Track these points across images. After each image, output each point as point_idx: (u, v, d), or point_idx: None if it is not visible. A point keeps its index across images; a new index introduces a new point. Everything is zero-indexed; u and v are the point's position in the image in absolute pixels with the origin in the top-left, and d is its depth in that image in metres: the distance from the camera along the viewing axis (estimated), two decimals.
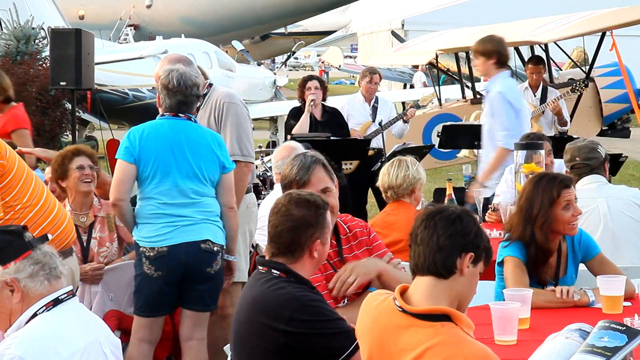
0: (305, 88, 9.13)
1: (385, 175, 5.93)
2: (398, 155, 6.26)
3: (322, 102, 9.19)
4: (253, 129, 8.15)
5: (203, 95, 5.79)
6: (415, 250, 3.00)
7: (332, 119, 9.17)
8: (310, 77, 9.48)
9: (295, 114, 9.20)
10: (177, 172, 5.22)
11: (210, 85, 5.90)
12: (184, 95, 5.27)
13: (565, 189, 4.53)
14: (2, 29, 16.03)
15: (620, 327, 3.18)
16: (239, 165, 5.72)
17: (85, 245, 5.54)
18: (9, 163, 4.72)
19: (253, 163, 5.86)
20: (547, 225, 4.49)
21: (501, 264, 4.57)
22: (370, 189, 9.79)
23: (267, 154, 10.40)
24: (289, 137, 9.16)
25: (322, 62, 49.06)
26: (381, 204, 9.67)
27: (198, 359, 5.40)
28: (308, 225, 3.64)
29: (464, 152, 11.58)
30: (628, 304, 4.28)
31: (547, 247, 4.52)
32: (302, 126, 8.95)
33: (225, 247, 5.37)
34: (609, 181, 5.91)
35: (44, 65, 14.07)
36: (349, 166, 9.50)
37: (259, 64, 31.89)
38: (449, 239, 2.95)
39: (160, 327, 5.39)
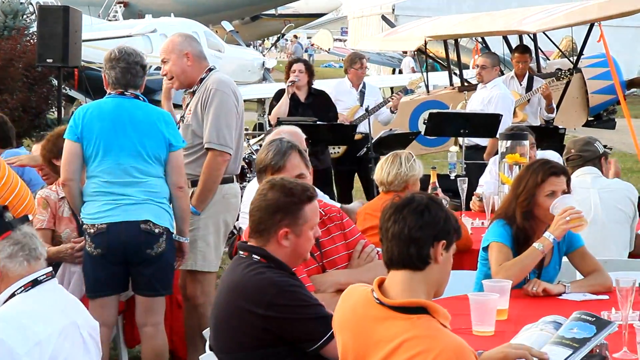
0: (291, 70, 9.12)
1: (379, 170, 5.89)
2: (393, 150, 6.15)
3: (309, 85, 9.16)
4: None
5: (200, 79, 5.71)
6: (388, 245, 3.01)
7: (317, 102, 9.13)
8: (297, 60, 9.50)
9: (279, 96, 9.13)
10: (119, 149, 5.17)
11: (210, 70, 5.76)
12: (127, 62, 5.24)
13: (553, 176, 4.53)
14: None
15: (590, 318, 3.21)
16: (213, 153, 5.59)
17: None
18: None
19: (229, 154, 5.66)
20: (528, 206, 4.52)
21: (486, 249, 4.59)
22: (356, 174, 9.79)
23: (254, 137, 10.40)
24: (268, 117, 9.11)
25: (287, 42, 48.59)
26: (367, 190, 9.69)
27: (154, 345, 5.31)
28: (277, 208, 3.65)
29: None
30: (606, 297, 4.32)
31: (526, 230, 4.54)
32: (281, 108, 8.91)
33: (174, 229, 5.27)
34: (607, 177, 5.97)
35: (32, 41, 13.96)
36: (336, 150, 9.48)
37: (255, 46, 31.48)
38: (421, 231, 2.97)
39: (113, 309, 5.29)
